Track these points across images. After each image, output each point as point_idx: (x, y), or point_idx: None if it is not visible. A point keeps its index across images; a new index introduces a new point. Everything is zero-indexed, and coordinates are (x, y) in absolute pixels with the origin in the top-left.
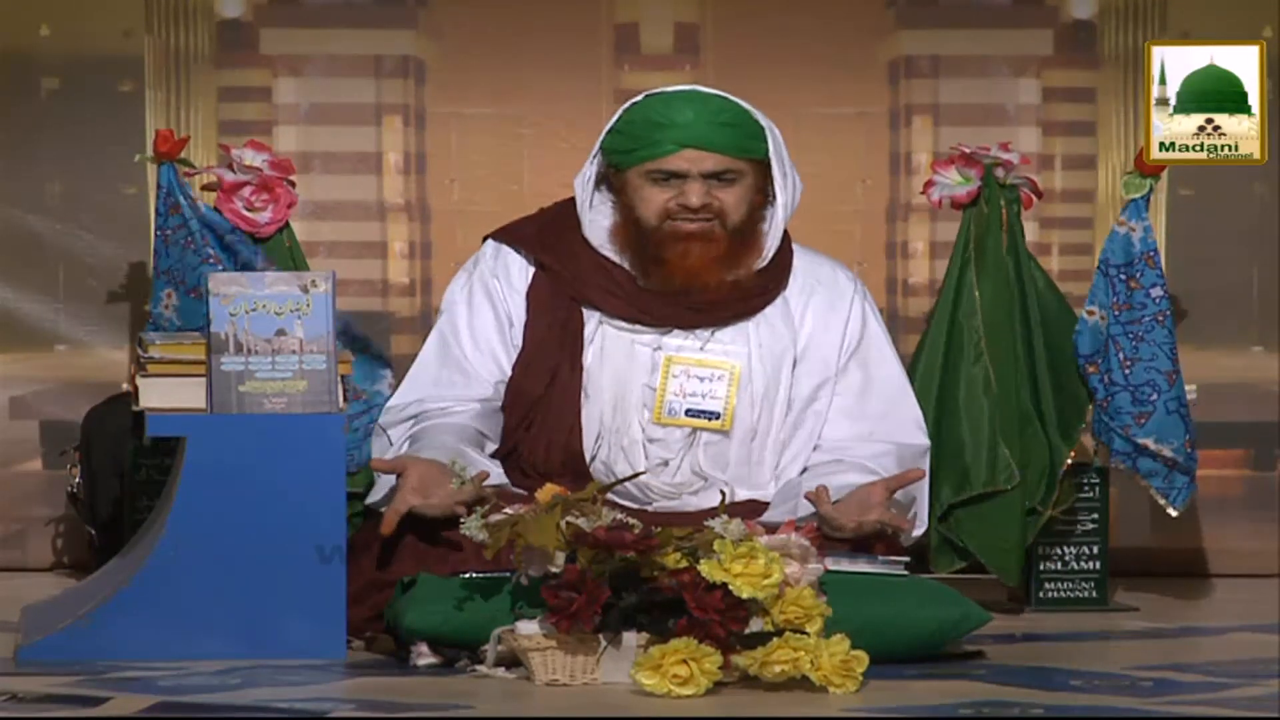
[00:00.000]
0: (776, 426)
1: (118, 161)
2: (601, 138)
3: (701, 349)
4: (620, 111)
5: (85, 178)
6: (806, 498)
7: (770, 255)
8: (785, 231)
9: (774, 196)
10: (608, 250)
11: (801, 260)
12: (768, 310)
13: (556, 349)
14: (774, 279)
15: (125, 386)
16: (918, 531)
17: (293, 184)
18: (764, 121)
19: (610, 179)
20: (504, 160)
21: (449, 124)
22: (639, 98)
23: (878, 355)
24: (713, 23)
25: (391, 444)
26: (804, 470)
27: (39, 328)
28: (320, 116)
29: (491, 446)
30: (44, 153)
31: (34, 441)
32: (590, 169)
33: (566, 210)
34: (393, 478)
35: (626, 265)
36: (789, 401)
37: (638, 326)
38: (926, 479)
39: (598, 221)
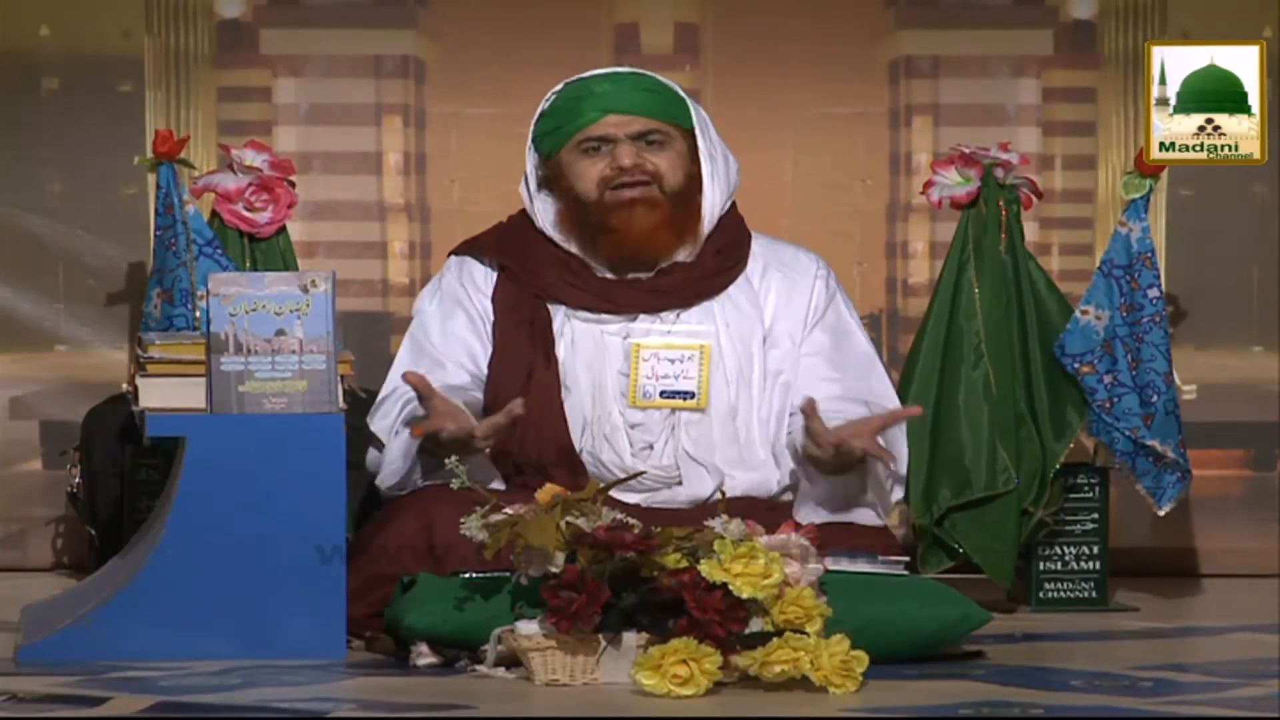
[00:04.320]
0: (756, 403)
1: (118, 161)
2: (531, 133)
3: (669, 331)
4: (543, 102)
5: (85, 178)
6: (800, 409)
7: (710, 225)
8: (741, 217)
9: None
10: (559, 239)
11: (762, 245)
12: (731, 290)
13: (528, 346)
14: (732, 259)
15: (125, 387)
16: (900, 473)
17: (293, 184)
18: (688, 99)
19: (547, 173)
20: (504, 160)
21: (449, 124)
22: (559, 85)
23: (844, 325)
24: (713, 23)
25: (382, 442)
26: (789, 433)
27: (39, 328)
28: (320, 116)
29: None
30: (44, 153)
31: (34, 441)
32: (529, 168)
33: (521, 216)
34: (397, 461)
35: (576, 249)
36: (765, 378)
37: (603, 316)
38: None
39: (545, 216)
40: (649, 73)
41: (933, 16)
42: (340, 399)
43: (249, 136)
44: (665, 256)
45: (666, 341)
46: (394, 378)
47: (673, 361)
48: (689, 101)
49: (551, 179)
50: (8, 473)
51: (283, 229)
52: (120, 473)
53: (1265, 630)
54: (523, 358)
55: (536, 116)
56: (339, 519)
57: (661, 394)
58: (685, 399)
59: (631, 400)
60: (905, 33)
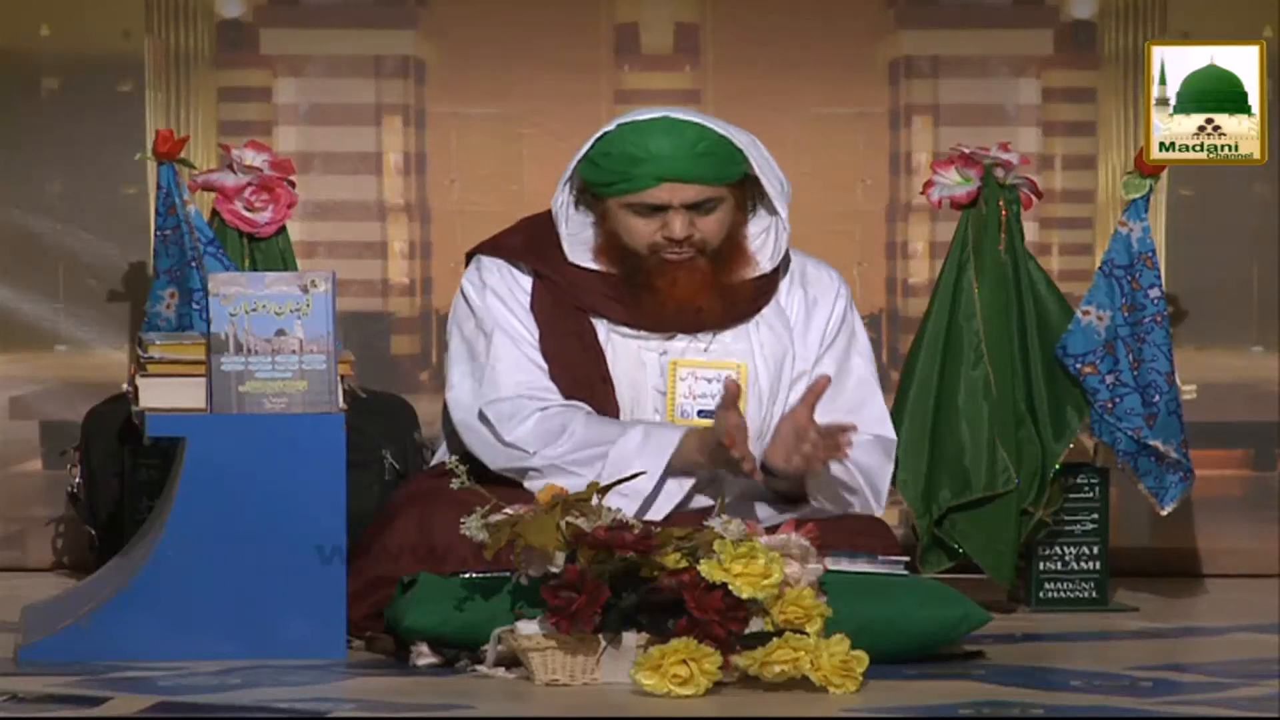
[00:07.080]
0: None
1: (118, 161)
2: (575, 165)
3: (706, 350)
4: (593, 141)
5: (85, 178)
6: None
7: (777, 260)
8: None
9: (754, 207)
10: (596, 266)
11: (788, 259)
12: (765, 311)
13: (581, 359)
14: (770, 282)
15: (125, 387)
16: (877, 512)
17: (293, 184)
18: (741, 139)
19: (588, 200)
20: (504, 160)
21: (449, 124)
22: (611, 127)
23: (853, 354)
24: (713, 23)
25: (521, 449)
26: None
27: (39, 328)
28: (320, 116)
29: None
30: (44, 153)
31: (34, 441)
32: (566, 195)
33: (549, 223)
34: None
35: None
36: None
37: (641, 332)
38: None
39: (578, 236)
40: (706, 123)
41: (933, 16)
42: (340, 399)
43: (249, 136)
44: (705, 310)
45: (704, 359)
46: (505, 375)
47: (710, 381)
48: (746, 151)
49: (595, 209)
50: (8, 473)
51: (283, 229)
52: (120, 473)
53: (1265, 630)
54: (581, 372)
55: (583, 156)
56: (339, 519)
57: (699, 413)
58: None
59: (669, 419)
60: (905, 33)
